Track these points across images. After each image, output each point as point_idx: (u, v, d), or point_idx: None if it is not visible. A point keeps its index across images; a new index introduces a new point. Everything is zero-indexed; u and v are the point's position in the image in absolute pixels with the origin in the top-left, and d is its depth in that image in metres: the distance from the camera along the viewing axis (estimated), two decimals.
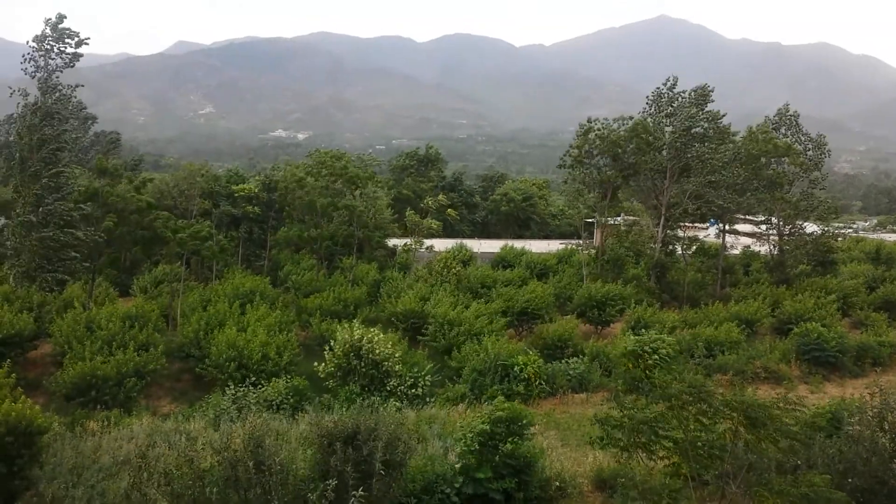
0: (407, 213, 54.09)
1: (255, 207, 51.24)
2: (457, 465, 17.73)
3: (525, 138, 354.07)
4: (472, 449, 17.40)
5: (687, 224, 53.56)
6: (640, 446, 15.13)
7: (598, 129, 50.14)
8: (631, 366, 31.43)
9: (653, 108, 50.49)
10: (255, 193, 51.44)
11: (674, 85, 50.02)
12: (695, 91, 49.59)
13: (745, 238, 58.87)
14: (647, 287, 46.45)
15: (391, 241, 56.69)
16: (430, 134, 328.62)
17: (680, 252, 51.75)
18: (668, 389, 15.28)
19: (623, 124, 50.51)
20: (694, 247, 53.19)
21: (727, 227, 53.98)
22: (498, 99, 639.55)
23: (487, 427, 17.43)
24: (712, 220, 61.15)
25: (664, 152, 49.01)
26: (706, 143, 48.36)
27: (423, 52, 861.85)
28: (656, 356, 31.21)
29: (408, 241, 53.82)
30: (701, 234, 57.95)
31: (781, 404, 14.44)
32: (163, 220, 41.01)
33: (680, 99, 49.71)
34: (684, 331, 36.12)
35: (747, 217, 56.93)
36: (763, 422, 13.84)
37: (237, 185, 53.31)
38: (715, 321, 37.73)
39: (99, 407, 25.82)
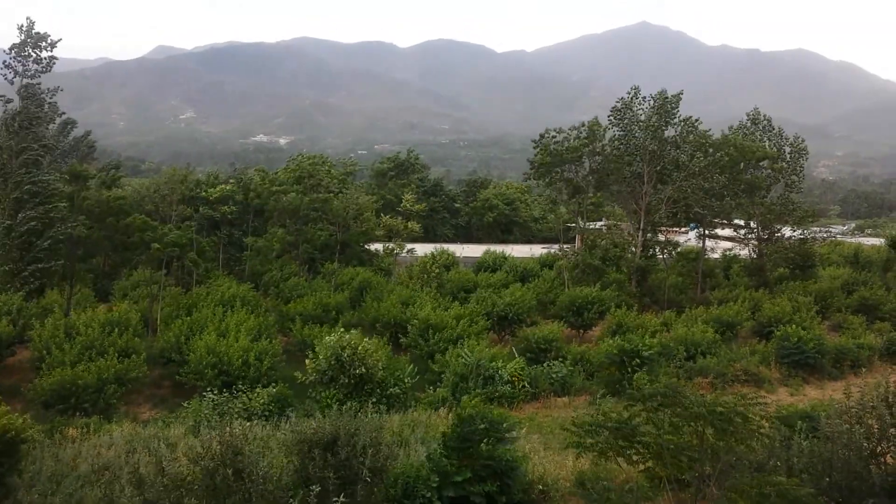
0: (384, 218, 54.13)
1: (232, 207, 50.97)
2: (430, 466, 17.71)
3: (507, 143, 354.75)
4: (449, 449, 17.33)
5: (667, 228, 53.94)
6: (617, 450, 15.21)
7: (555, 141, 50.44)
8: (614, 369, 31.66)
9: (620, 117, 50.22)
10: (230, 195, 51.16)
11: (635, 94, 49.99)
12: (654, 98, 49.21)
13: (725, 242, 59.37)
14: (628, 291, 46.71)
15: (373, 246, 56.66)
16: (412, 138, 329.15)
17: (660, 256, 52.09)
18: (640, 392, 15.38)
19: (581, 133, 50.75)
20: (674, 251, 53.60)
21: (707, 231, 54.41)
22: (480, 104, 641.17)
23: (458, 430, 17.38)
24: (692, 225, 61.63)
25: (637, 158, 49.23)
26: (681, 149, 48.73)
27: (406, 57, 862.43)
28: (637, 360, 31.46)
29: (389, 244, 53.84)
30: (681, 239, 58.36)
31: (743, 402, 14.62)
32: (139, 225, 40.81)
33: (645, 105, 49.59)
34: (665, 334, 36.35)
35: (726, 221, 57.40)
36: (724, 426, 13.99)
37: (214, 187, 53.06)
38: (695, 324, 37.99)
39: (78, 414, 25.58)
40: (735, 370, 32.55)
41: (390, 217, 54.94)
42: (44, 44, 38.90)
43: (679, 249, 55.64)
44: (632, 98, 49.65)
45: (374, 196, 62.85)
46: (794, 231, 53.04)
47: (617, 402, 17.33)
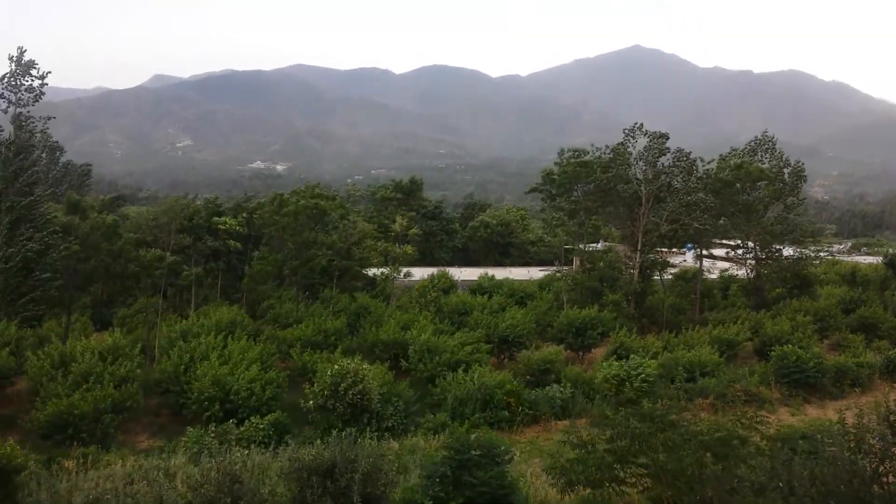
0: (378, 244, 54.17)
1: (237, 243, 51.02)
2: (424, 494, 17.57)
3: (503, 166, 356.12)
4: (443, 476, 17.20)
5: (664, 249, 54.02)
6: (613, 479, 15.13)
7: (578, 160, 50.80)
8: (614, 391, 31.59)
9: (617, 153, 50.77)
10: (236, 229, 51.15)
11: (631, 132, 50.52)
12: (644, 134, 50.04)
13: (723, 262, 59.43)
14: (626, 312, 46.68)
15: (371, 271, 56.63)
16: (408, 163, 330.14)
17: (657, 277, 52.11)
18: (628, 426, 15.34)
19: (596, 152, 51.18)
20: (669, 272, 53.64)
21: (704, 252, 54.48)
22: (476, 128, 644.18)
23: (451, 456, 17.26)
24: (689, 245, 61.73)
25: (633, 183, 49.49)
26: (673, 175, 49.19)
27: (401, 83, 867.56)
28: (638, 382, 31.41)
29: (385, 269, 53.86)
30: (678, 259, 58.40)
31: (742, 423, 14.59)
32: (129, 249, 40.83)
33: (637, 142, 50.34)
34: (664, 355, 36.29)
35: (724, 241, 57.48)
36: (723, 450, 13.97)
37: (217, 216, 52.91)
38: (694, 345, 37.93)
39: (76, 444, 25.38)
40: (735, 391, 32.50)
41: (385, 242, 54.99)
42: (33, 71, 39.29)
43: (676, 270, 55.73)
44: (626, 137, 50.18)
45: (373, 222, 62.93)
46: (793, 251, 53.19)
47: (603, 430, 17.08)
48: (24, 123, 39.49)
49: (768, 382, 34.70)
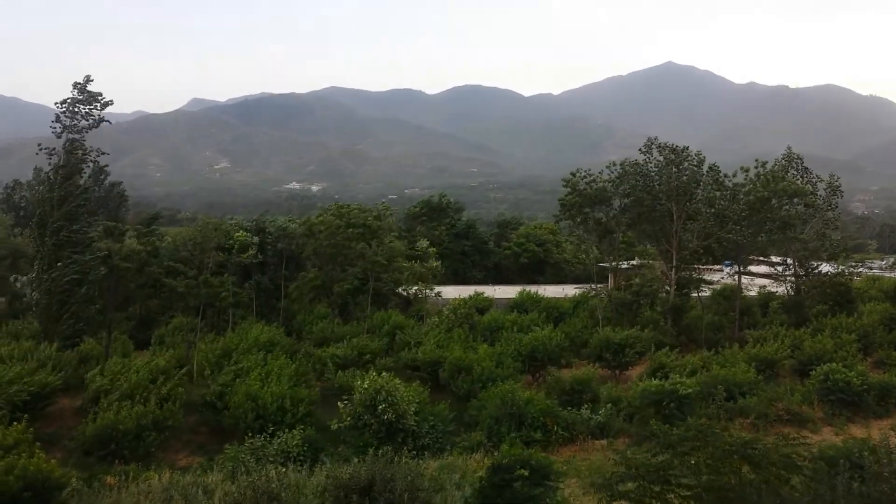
0: (405, 265, 54.50)
1: (254, 254, 51.34)
2: None
3: (537, 184, 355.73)
4: (486, 496, 17.18)
5: (701, 266, 53.40)
6: (655, 496, 14.90)
7: (585, 181, 50.67)
8: (652, 410, 31.17)
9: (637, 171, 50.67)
10: (247, 242, 51.60)
11: (648, 149, 50.36)
12: (661, 149, 49.83)
13: (761, 279, 58.54)
14: (663, 330, 46.15)
15: (402, 289, 56.89)
16: (442, 183, 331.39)
17: (694, 294, 51.50)
18: (669, 437, 15.14)
19: (612, 171, 51.04)
20: (707, 290, 52.97)
21: (742, 269, 53.73)
22: (509, 147, 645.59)
23: (495, 476, 17.23)
24: (726, 262, 60.95)
25: (663, 198, 49.18)
26: (702, 188, 48.88)
27: (434, 103, 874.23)
28: (676, 401, 30.96)
29: (416, 288, 54.08)
30: (716, 276, 57.63)
31: (783, 441, 14.32)
32: (157, 277, 41.54)
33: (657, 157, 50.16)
34: (702, 374, 35.74)
35: (761, 258, 56.67)
36: (762, 462, 13.70)
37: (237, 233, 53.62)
38: (734, 363, 37.30)
39: (117, 461, 25.78)
40: (777, 410, 31.86)
41: (414, 263, 55.41)
42: (96, 102, 40.31)
43: (715, 287, 55.00)
44: (646, 152, 50.01)
45: (403, 240, 63.31)
46: (832, 267, 52.28)
47: (645, 448, 16.93)
48: (76, 149, 40.52)
49: (811, 401, 33.94)
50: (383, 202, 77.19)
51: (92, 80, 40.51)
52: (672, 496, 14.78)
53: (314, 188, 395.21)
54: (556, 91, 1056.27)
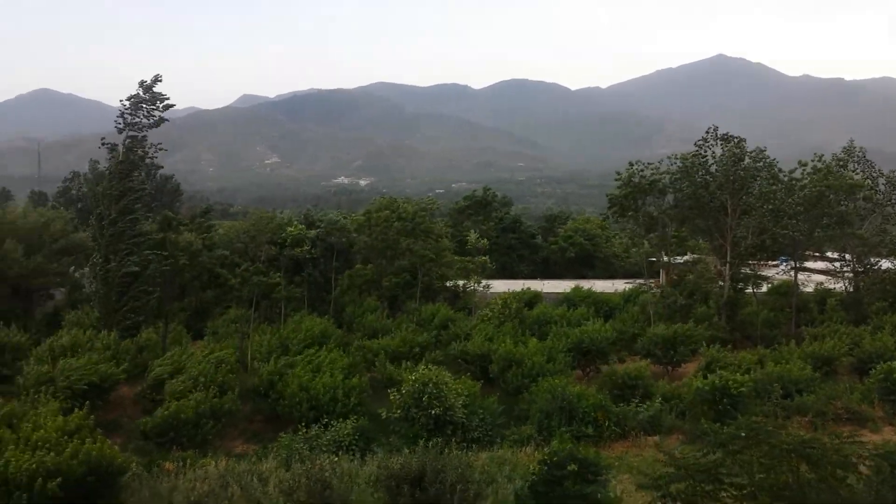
0: (457, 258, 54.58)
1: (308, 249, 51.87)
2: None
3: (584, 179, 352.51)
4: (537, 490, 17.12)
5: (756, 262, 52.33)
6: (706, 495, 14.65)
7: (642, 172, 49.87)
8: (705, 407, 30.67)
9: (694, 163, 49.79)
10: (301, 235, 52.12)
11: (705, 141, 49.43)
12: (721, 140, 48.97)
13: (818, 275, 57.10)
14: (717, 326, 45.37)
15: (450, 283, 57.03)
16: (488, 177, 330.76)
17: (749, 290, 50.49)
18: (721, 435, 14.88)
19: (672, 163, 50.21)
20: (764, 285, 51.88)
21: (798, 264, 52.51)
22: (556, 141, 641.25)
23: (547, 470, 17.14)
24: (782, 258, 59.60)
25: (717, 191, 48.26)
26: (758, 181, 47.82)
27: (480, 98, 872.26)
28: (730, 398, 30.41)
29: (464, 281, 54.16)
30: (771, 272, 56.37)
31: (839, 440, 13.99)
32: (210, 269, 42.43)
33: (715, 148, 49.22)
34: (757, 371, 35.06)
35: (818, 254, 55.30)
36: (820, 461, 13.37)
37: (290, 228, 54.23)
38: (789, 360, 36.51)
39: (175, 447, 26.44)
40: (836, 408, 31.07)
41: (462, 257, 55.49)
42: (159, 103, 41.47)
43: (771, 283, 53.87)
44: (701, 145, 49.12)
45: (449, 234, 63.39)
46: (893, 264, 50.76)
47: (697, 446, 16.64)
48: (136, 147, 41.76)
49: (870, 400, 33.03)
50: (430, 196, 77.42)
51: (160, 81, 41.81)
52: (725, 495, 14.55)
53: (362, 183, 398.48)
54: (604, 84, 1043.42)
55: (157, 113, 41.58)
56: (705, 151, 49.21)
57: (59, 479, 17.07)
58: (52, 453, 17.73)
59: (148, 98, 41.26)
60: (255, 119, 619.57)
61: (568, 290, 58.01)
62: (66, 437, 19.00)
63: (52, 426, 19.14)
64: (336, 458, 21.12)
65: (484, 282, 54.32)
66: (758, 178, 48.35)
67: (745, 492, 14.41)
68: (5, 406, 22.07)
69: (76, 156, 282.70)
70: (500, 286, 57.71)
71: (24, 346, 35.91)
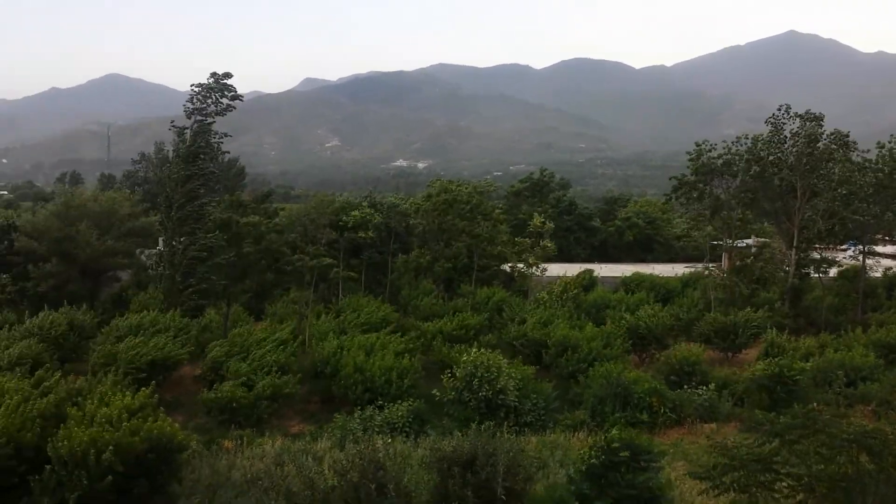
0: (517, 240, 54.30)
1: (369, 233, 52.32)
2: (570, 491, 17.49)
3: (647, 160, 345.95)
4: (590, 475, 17.05)
5: (823, 246, 50.70)
6: (761, 485, 14.37)
7: (710, 152, 48.58)
8: (762, 395, 30.03)
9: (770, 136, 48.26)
10: (366, 219, 52.56)
11: (787, 111, 47.77)
12: (800, 116, 47.32)
13: (887, 260, 55.02)
14: (780, 312, 44.21)
15: (506, 265, 56.86)
16: (548, 159, 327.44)
17: (815, 275, 48.97)
18: (776, 425, 14.56)
19: (741, 144, 48.82)
20: (832, 270, 50.25)
21: (867, 248, 50.65)
22: (618, 122, 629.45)
23: (601, 456, 17.04)
24: (850, 242, 57.61)
25: (787, 172, 46.76)
26: (831, 158, 46.14)
27: (541, 78, 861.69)
28: (789, 385, 29.68)
29: (521, 265, 53.89)
30: (838, 257, 54.58)
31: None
32: (276, 250, 43.22)
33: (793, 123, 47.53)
34: (819, 358, 34.08)
35: (888, 238, 53.20)
36: (882, 452, 12.98)
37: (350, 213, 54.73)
38: (851, 347, 35.37)
39: (233, 426, 27.22)
40: None
41: (521, 238, 55.12)
42: (227, 92, 42.71)
43: (837, 268, 52.17)
44: (773, 123, 47.57)
45: (506, 216, 63.07)
46: None
47: (752, 435, 16.32)
48: (203, 133, 42.97)
49: None
50: (487, 179, 77.09)
51: (231, 76, 43.17)
52: (781, 485, 14.29)
53: (420, 165, 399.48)
54: (669, 63, 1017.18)
55: (224, 101, 42.68)
56: (781, 129, 47.68)
57: (114, 453, 17.38)
58: (112, 429, 18.24)
59: (217, 87, 42.38)
60: (317, 102, 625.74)
61: (626, 275, 57.28)
62: (128, 415, 19.63)
63: (117, 404, 19.79)
64: (389, 440, 21.41)
65: (542, 265, 54.02)
66: (832, 161, 46.67)
67: (801, 483, 14.15)
68: (72, 383, 22.91)
69: (143, 139, 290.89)
70: (556, 269, 57.32)
71: (92, 326, 37.34)
